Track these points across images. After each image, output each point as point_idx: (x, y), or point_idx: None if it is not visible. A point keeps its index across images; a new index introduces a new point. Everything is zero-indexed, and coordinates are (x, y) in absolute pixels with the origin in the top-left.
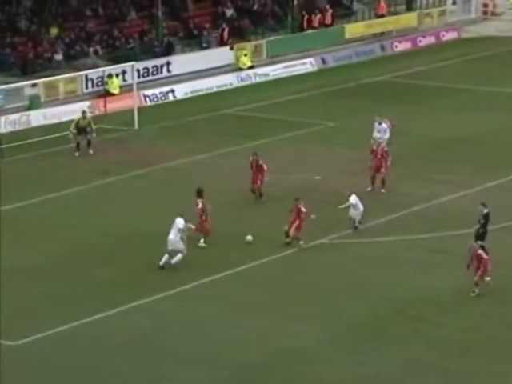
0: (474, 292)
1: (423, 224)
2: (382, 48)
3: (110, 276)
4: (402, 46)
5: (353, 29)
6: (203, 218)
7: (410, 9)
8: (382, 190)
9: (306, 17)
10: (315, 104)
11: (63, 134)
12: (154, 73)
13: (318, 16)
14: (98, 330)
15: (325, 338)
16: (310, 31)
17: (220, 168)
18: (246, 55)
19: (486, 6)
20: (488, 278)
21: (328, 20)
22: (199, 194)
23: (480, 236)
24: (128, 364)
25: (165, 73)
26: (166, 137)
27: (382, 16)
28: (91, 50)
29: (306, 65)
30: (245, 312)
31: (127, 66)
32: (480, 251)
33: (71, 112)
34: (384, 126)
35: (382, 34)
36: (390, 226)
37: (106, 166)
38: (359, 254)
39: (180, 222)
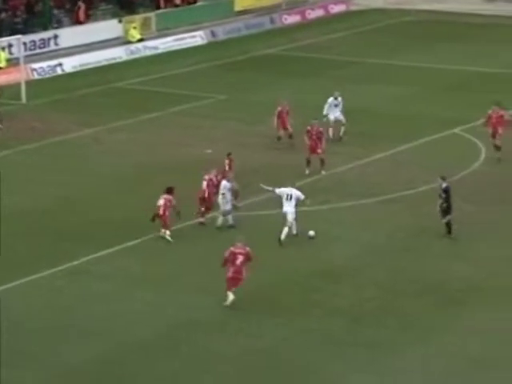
0: (225, 302)
1: (317, 195)
2: (272, 21)
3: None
4: (292, 19)
5: (242, 1)
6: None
7: None
8: (323, 172)
9: (82, 7)
10: (206, 77)
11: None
12: (42, 46)
13: None
14: None
15: (220, 310)
16: (199, 3)
17: (111, 141)
18: (135, 28)
19: None
20: (230, 295)
21: None
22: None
23: (445, 211)
24: (21, 339)
25: (52, 46)
26: (55, 111)
27: None
28: None
29: (196, 38)
30: (139, 286)
31: (13, 39)
32: (240, 251)
33: None
34: (340, 99)
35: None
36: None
37: None
38: (251, 227)
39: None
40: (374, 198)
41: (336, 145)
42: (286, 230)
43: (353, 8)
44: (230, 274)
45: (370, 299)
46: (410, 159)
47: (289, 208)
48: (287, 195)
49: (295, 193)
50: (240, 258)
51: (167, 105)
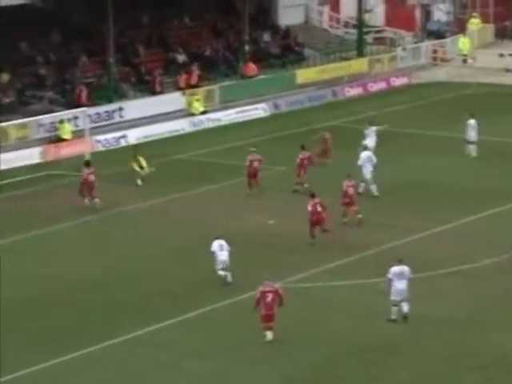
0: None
1: (374, 268)
2: (334, 93)
3: (59, 324)
4: (354, 91)
5: (304, 74)
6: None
7: (360, 55)
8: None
9: (158, 79)
10: (267, 149)
11: (14, 180)
12: (107, 118)
13: (184, 76)
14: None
15: (277, 381)
16: (262, 76)
17: (173, 213)
18: (198, 100)
19: (435, 52)
20: (268, 334)
21: (194, 80)
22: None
23: None
24: None
25: (117, 118)
26: (118, 182)
27: (251, 77)
28: (43, 95)
29: (258, 110)
30: (198, 357)
31: (79, 111)
32: (269, 289)
33: (22, 158)
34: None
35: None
36: (342, 271)
37: (57, 212)
38: (313, 297)
39: (407, 271)
40: (432, 271)
41: (390, 218)
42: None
43: (415, 81)
44: (262, 312)
45: (431, 371)
46: (472, 232)
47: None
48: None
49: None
50: (270, 296)
51: (229, 176)
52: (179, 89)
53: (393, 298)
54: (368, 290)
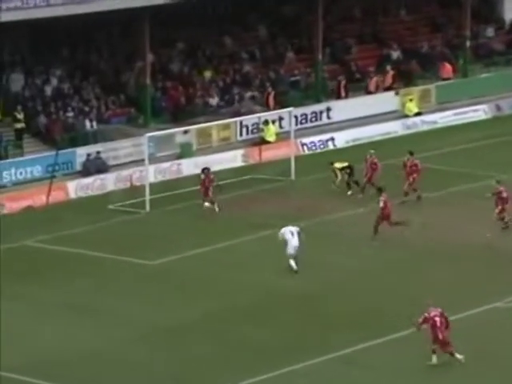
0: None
1: None
2: None
3: (263, 336)
4: None
5: None
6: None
7: None
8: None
9: (342, 82)
10: (488, 155)
11: (216, 183)
12: (313, 119)
13: (375, 79)
14: None
15: None
16: (484, 75)
17: None
18: (411, 101)
19: None
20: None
21: (388, 82)
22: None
23: None
24: None
25: (324, 119)
26: (324, 188)
27: (446, 79)
28: (247, 94)
29: (479, 112)
30: (408, 379)
31: (284, 112)
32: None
33: (224, 161)
34: None
35: None
36: None
37: (260, 218)
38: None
39: None
40: None
41: None
42: None
43: None
44: (440, 337)
45: None
46: None
47: None
48: None
49: None
50: (438, 320)
51: (444, 184)
52: (369, 93)
53: None
54: None
